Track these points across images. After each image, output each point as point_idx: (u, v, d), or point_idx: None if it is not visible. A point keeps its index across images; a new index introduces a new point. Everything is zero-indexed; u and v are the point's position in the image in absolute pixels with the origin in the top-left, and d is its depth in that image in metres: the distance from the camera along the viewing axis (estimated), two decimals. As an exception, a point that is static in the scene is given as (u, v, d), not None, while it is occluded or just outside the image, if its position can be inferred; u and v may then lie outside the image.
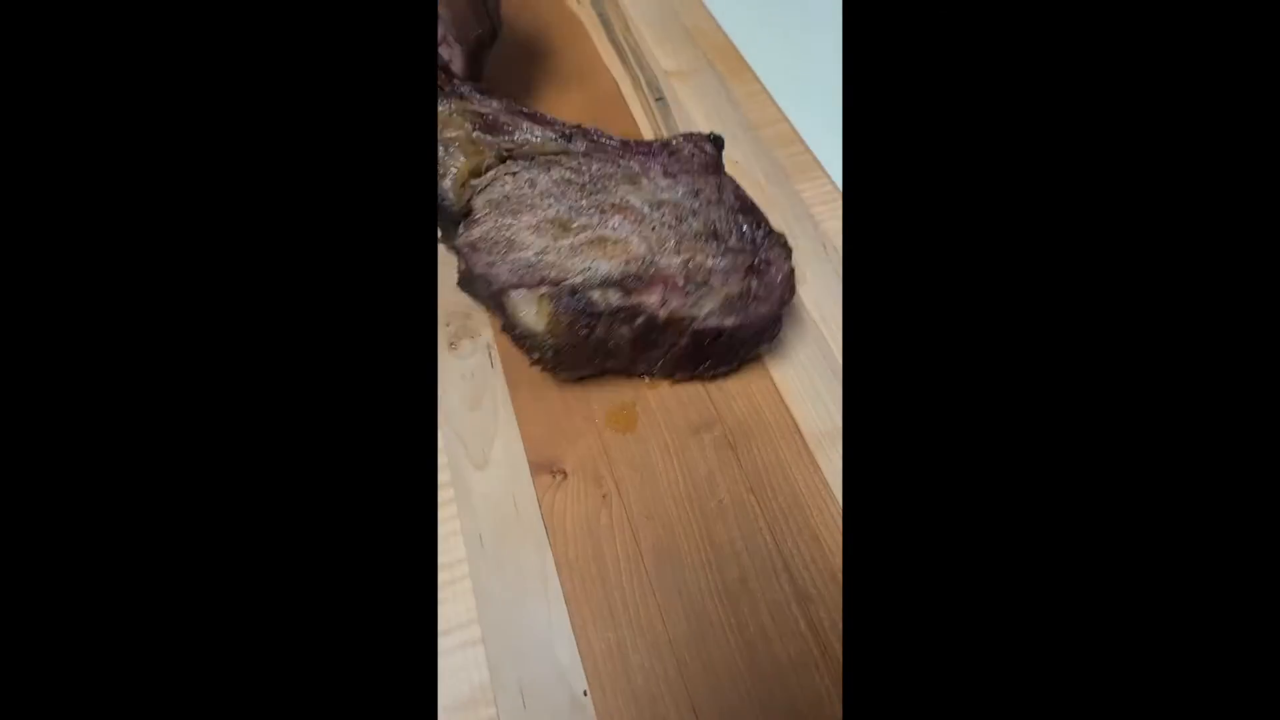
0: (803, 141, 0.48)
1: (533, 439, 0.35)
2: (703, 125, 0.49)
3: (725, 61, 0.53)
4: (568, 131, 0.39)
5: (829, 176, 0.46)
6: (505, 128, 0.38)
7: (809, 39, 0.56)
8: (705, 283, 0.33)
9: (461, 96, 0.39)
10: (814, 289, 0.41)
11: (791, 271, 0.35)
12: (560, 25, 0.55)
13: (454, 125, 0.37)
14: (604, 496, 0.33)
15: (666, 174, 0.37)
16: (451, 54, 0.43)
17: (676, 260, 0.33)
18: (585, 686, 0.29)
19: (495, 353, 0.38)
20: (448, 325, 0.39)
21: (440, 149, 0.37)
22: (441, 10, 0.41)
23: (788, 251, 0.36)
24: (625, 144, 0.39)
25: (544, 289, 0.32)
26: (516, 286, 0.33)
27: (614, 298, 0.32)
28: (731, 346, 0.35)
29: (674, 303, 0.33)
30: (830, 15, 0.58)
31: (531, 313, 0.33)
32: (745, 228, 0.36)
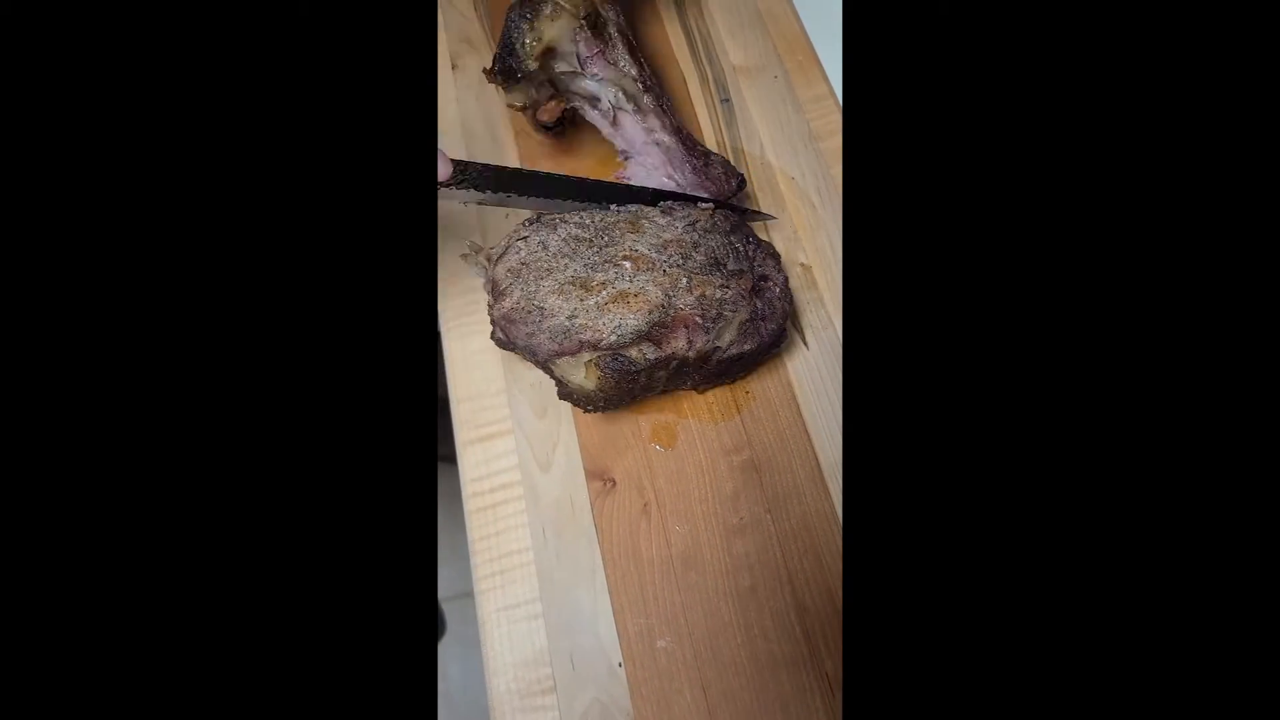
0: (860, 157, 0.50)
1: (588, 448, 0.41)
2: (765, 134, 0.51)
3: (794, 56, 0.53)
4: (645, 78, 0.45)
5: (880, 199, 0.48)
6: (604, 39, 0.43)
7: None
8: (720, 315, 0.38)
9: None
10: (849, 321, 0.44)
11: (786, 280, 0.40)
12: (633, 5, 0.56)
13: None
14: (645, 506, 0.40)
15: (663, 211, 0.41)
16: None
17: (691, 299, 0.38)
18: (620, 659, 0.37)
19: (560, 365, 0.44)
20: (520, 335, 0.44)
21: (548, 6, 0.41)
22: None
23: (778, 259, 0.41)
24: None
25: (586, 355, 0.36)
26: (560, 354, 0.37)
27: (649, 352, 0.37)
28: (751, 361, 0.41)
29: (699, 342, 0.38)
30: None
31: (580, 377, 0.37)
32: (740, 246, 0.41)
